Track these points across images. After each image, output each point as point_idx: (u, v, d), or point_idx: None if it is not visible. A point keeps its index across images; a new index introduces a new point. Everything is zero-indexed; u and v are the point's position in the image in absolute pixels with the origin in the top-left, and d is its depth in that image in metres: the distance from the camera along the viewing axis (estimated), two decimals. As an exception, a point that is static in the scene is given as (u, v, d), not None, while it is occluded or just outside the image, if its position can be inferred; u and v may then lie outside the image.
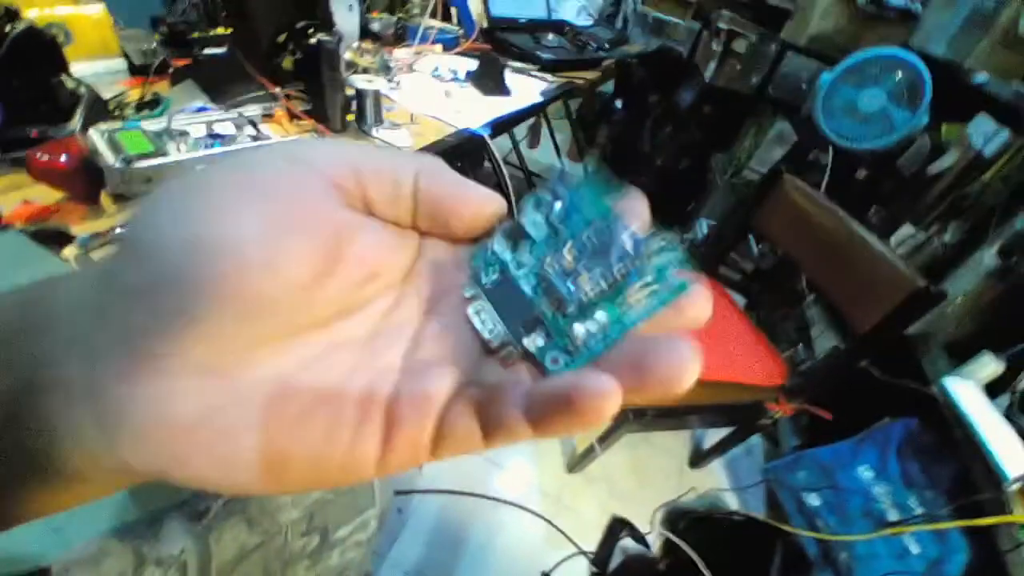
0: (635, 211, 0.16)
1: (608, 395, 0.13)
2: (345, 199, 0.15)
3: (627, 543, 1.07)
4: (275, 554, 0.47)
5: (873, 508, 0.96)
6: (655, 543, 1.10)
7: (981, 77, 1.20)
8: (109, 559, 0.42)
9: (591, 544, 1.08)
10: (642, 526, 1.11)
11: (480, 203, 0.17)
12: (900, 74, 1.24)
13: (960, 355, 0.97)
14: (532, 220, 0.17)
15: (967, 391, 0.87)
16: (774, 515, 1.14)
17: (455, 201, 0.16)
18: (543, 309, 0.16)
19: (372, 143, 0.81)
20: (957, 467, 0.89)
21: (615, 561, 1.05)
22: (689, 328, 0.15)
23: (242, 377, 0.13)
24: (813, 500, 1.05)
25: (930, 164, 1.24)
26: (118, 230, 0.52)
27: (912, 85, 1.23)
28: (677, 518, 1.12)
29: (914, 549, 0.89)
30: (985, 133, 1.09)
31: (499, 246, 0.17)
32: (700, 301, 0.15)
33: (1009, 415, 0.84)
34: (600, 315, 0.16)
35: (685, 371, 0.13)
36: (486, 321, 0.16)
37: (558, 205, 0.17)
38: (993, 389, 0.89)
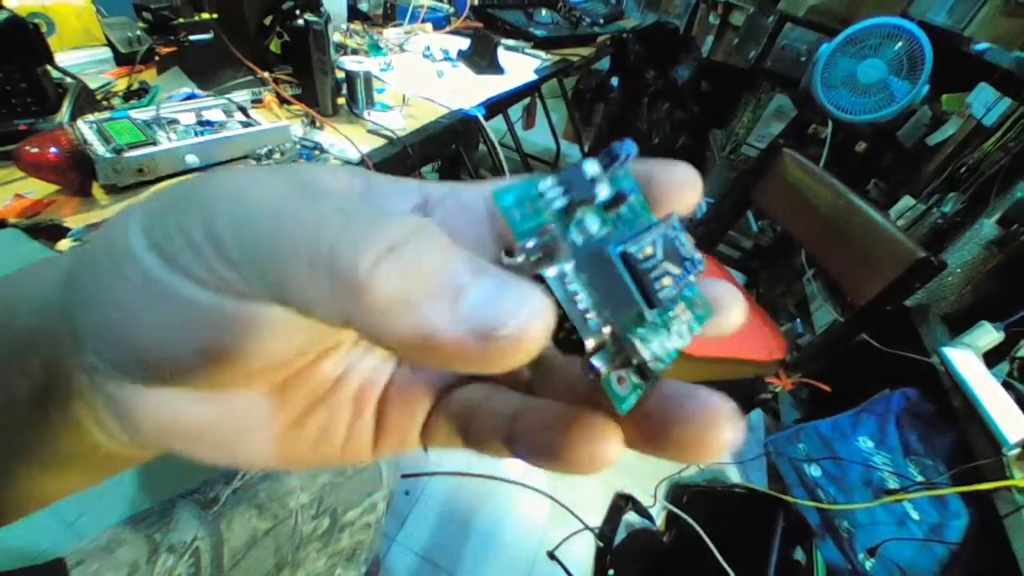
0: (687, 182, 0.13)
1: (603, 444, 0.11)
2: None
3: (631, 517, 1.09)
4: (286, 538, 0.48)
5: (873, 477, 0.98)
6: (658, 517, 1.12)
7: (982, 45, 1.18)
8: (122, 548, 0.43)
9: (596, 520, 1.10)
10: (645, 501, 1.13)
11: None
12: (900, 44, 1.22)
13: (959, 325, 0.97)
14: (592, 174, 0.12)
15: (966, 360, 0.88)
16: (775, 487, 1.15)
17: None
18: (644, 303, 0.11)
19: (364, 126, 0.80)
20: (956, 435, 0.90)
21: (620, 536, 1.07)
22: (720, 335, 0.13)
23: (243, 390, 0.13)
24: (814, 471, 1.07)
25: (930, 135, 1.23)
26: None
27: (912, 55, 1.21)
28: (680, 492, 1.14)
29: (914, 515, 0.90)
30: (986, 102, 1.08)
31: (549, 189, 0.12)
32: (736, 308, 0.13)
33: (1008, 383, 0.85)
34: (678, 326, 0.12)
35: (717, 440, 0.11)
36: (581, 300, 0.10)
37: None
38: (992, 358, 0.90)
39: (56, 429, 0.13)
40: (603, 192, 0.12)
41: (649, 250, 0.11)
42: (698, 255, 0.13)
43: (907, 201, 1.20)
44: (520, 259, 0.11)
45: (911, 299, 1.07)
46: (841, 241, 0.93)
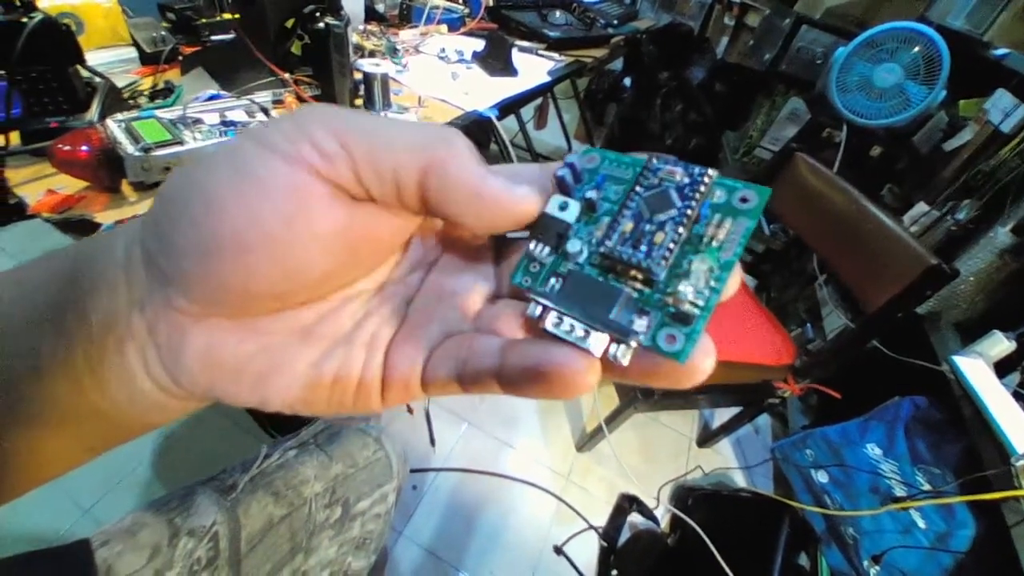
0: (666, 158, 0.15)
1: (580, 372, 0.13)
2: (349, 195, 0.14)
3: (636, 519, 1.10)
4: (301, 525, 0.49)
5: (880, 484, 0.98)
6: (663, 519, 1.13)
7: (1000, 51, 1.16)
8: (145, 531, 0.44)
9: (601, 520, 1.11)
10: (650, 503, 1.13)
11: (503, 207, 0.14)
12: (917, 48, 1.21)
13: (971, 334, 0.97)
14: (559, 205, 0.15)
15: (976, 369, 0.88)
16: (781, 492, 1.15)
17: (469, 208, 0.14)
18: (628, 290, 0.14)
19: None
20: (965, 445, 0.89)
21: (624, 536, 1.08)
22: None
23: (272, 330, 0.16)
24: (820, 477, 1.07)
25: (946, 141, 1.21)
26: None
27: (929, 60, 1.20)
28: (685, 495, 1.14)
29: (921, 524, 0.90)
30: (1003, 108, 1.07)
31: (536, 250, 0.15)
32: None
33: (1018, 393, 0.85)
34: (698, 264, 0.13)
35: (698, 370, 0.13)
36: (575, 330, 0.13)
37: (583, 178, 0.16)
38: (1003, 367, 0.89)
39: (108, 375, 0.15)
40: (572, 216, 0.15)
41: (629, 225, 0.14)
42: (696, 168, 0.14)
43: (921, 207, 1.19)
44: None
45: (923, 306, 1.06)
46: (854, 246, 0.93)
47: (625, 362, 0.13)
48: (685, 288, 0.13)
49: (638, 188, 0.15)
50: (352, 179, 0.14)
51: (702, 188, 0.14)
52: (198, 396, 0.16)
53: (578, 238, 0.15)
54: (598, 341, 0.13)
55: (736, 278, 0.13)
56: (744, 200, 0.13)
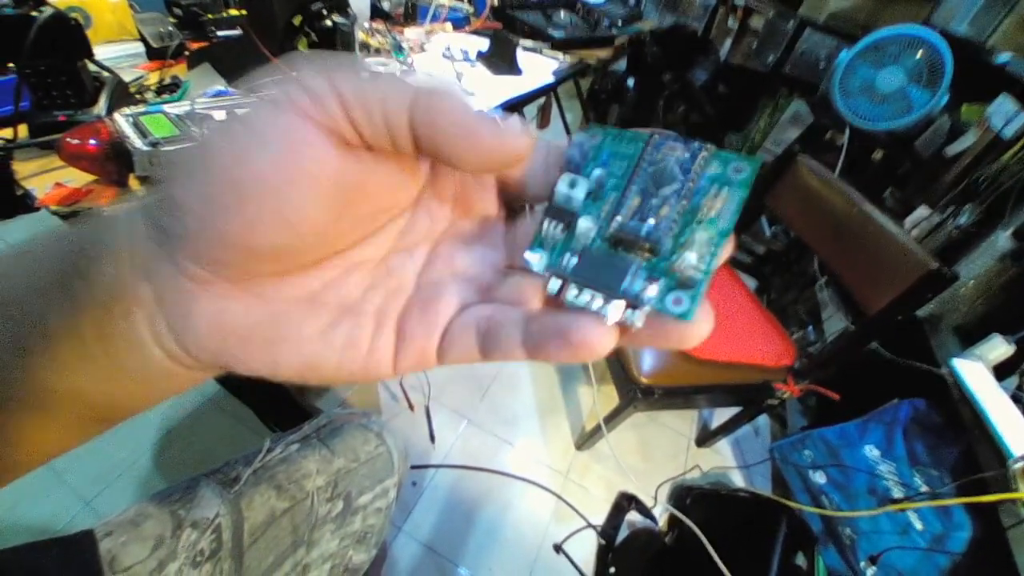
0: (667, 134, 0.16)
1: (602, 336, 0.14)
2: (343, 140, 0.14)
3: (634, 517, 1.11)
4: (303, 518, 0.50)
5: (878, 486, 0.98)
6: (661, 518, 1.13)
7: (1004, 56, 1.16)
8: (149, 522, 0.45)
9: (599, 518, 1.11)
10: (648, 502, 1.14)
11: (497, 140, 0.15)
12: (920, 53, 1.21)
13: (970, 337, 0.97)
14: (569, 183, 0.16)
15: (975, 372, 0.88)
16: (779, 492, 1.16)
17: (459, 140, 0.14)
18: (637, 261, 0.15)
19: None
20: (963, 447, 0.90)
21: (622, 534, 1.08)
22: None
23: (278, 297, 0.16)
24: (818, 478, 1.07)
25: (948, 145, 1.22)
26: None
27: (932, 64, 1.20)
28: (683, 494, 1.14)
29: (918, 525, 0.90)
30: (1006, 114, 1.07)
31: (550, 228, 0.16)
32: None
33: (1017, 396, 0.85)
34: (700, 235, 0.15)
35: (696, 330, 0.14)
36: (593, 300, 0.15)
37: (590, 157, 0.17)
38: (1002, 371, 0.90)
39: (117, 342, 0.15)
40: (581, 194, 0.16)
41: (636, 200, 0.16)
42: (695, 143, 0.16)
43: (922, 211, 1.19)
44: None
45: (923, 309, 1.07)
46: (854, 249, 0.93)
47: (640, 324, 0.15)
48: (689, 256, 0.14)
49: (643, 164, 0.16)
50: (342, 118, 0.14)
51: (700, 161, 0.15)
52: (207, 364, 0.16)
53: (588, 215, 0.16)
54: (614, 309, 0.15)
55: (730, 244, 0.15)
56: (738, 171, 0.15)
